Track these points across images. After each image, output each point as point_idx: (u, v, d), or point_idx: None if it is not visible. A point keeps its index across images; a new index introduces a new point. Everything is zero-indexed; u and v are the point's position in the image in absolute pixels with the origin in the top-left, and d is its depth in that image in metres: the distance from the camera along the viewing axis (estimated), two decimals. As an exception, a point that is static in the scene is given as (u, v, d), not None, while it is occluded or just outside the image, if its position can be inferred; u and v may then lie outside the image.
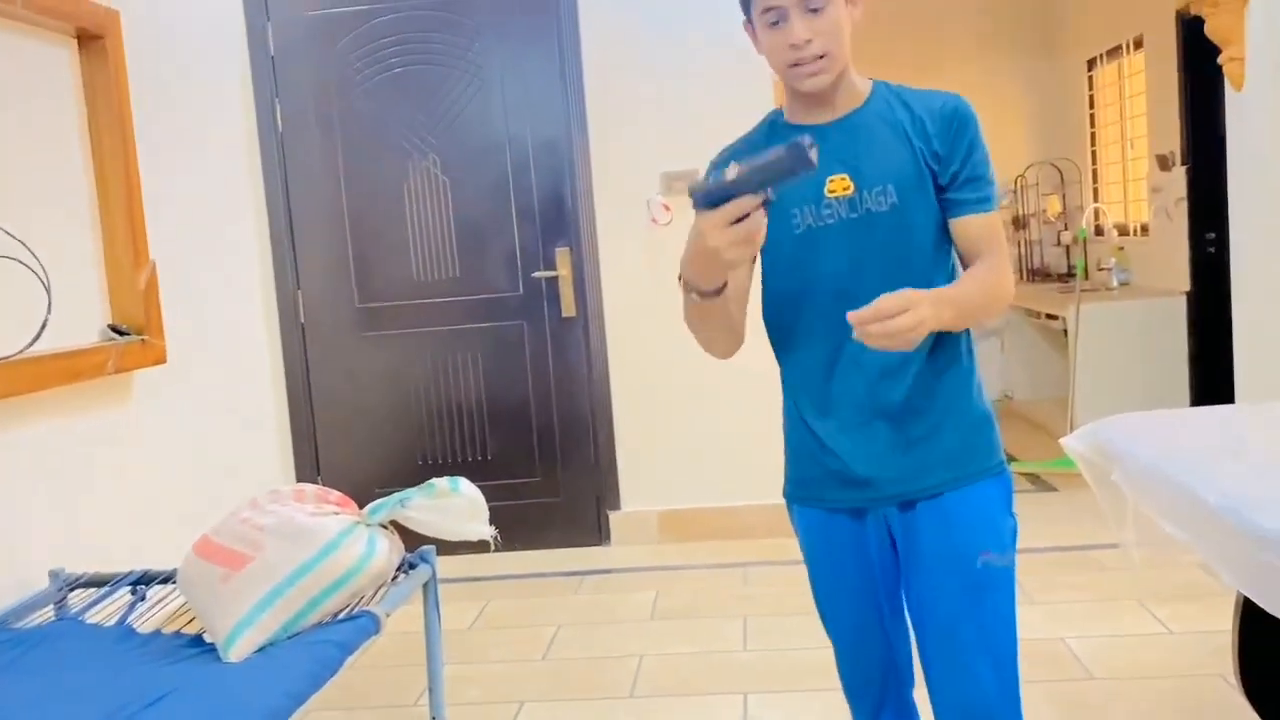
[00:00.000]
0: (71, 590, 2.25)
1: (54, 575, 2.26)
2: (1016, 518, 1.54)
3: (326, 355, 3.97)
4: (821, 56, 1.40)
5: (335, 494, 2.06)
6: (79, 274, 2.63)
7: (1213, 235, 4.61)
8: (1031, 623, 2.62)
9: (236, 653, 1.81)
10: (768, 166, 1.20)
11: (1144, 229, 5.51)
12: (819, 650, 1.73)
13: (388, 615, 1.95)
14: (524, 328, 3.92)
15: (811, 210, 1.44)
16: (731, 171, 1.22)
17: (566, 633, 3.16)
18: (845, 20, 1.41)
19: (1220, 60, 3.48)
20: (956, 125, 1.43)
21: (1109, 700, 2.49)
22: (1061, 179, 6.36)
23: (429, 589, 2.15)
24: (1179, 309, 4.91)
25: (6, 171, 2.41)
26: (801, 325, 1.50)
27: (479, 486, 2.07)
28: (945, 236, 1.47)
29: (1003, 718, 1.51)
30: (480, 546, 2.08)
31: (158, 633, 2.02)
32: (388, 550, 1.99)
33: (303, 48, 3.86)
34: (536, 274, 3.89)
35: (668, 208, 3.80)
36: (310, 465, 3.98)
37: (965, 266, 1.48)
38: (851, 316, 1.25)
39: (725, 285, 1.36)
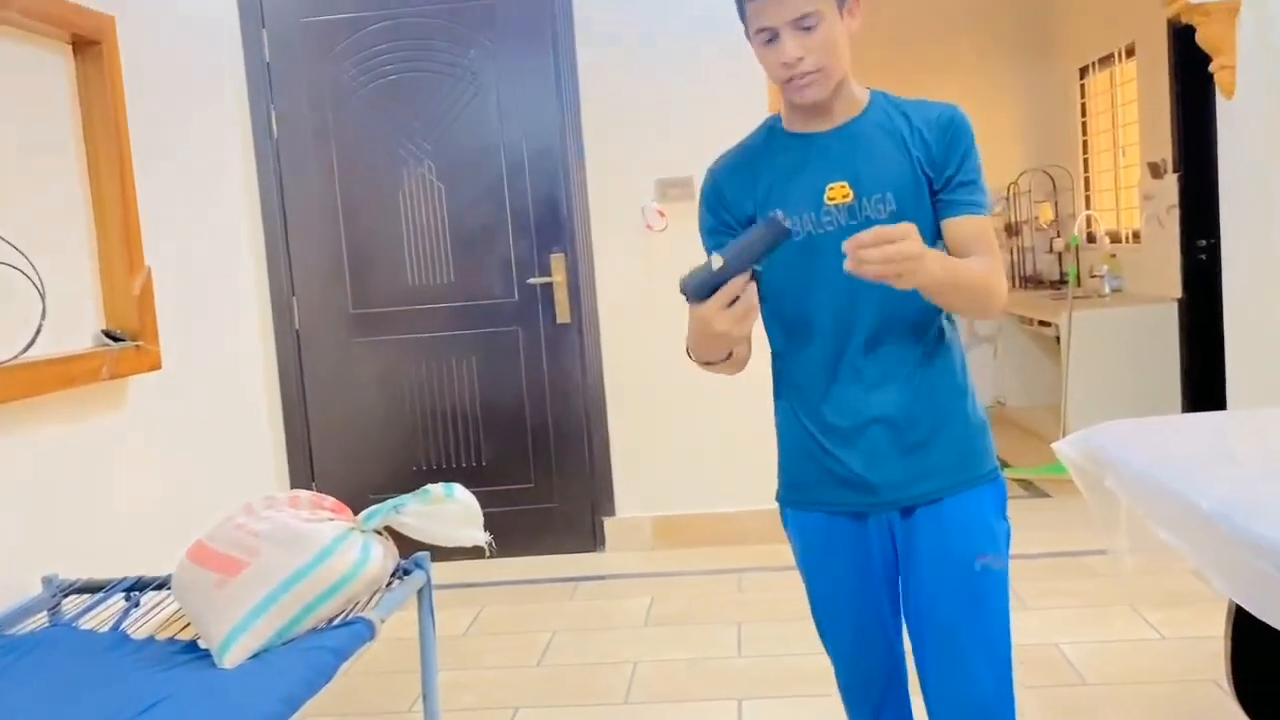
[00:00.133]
0: (65, 596, 2.25)
1: (47, 581, 2.25)
2: (1010, 522, 1.55)
3: (321, 361, 3.97)
4: (815, 72, 1.41)
5: (330, 500, 2.06)
6: (74, 280, 2.63)
7: (1204, 242, 4.63)
8: (1025, 628, 2.63)
9: (231, 659, 1.81)
10: (750, 247, 1.31)
11: (1136, 236, 5.54)
12: (814, 656, 1.73)
13: (382, 621, 1.95)
14: (519, 334, 3.93)
15: (811, 218, 1.46)
16: (717, 261, 1.31)
17: (561, 639, 3.16)
18: (840, 34, 1.41)
19: (1211, 68, 3.50)
20: (952, 132, 1.45)
21: (1102, 705, 2.50)
22: (1054, 186, 6.39)
23: (424, 595, 2.15)
24: (1171, 316, 4.93)
25: (2, 177, 2.41)
26: (802, 330, 1.51)
27: (473, 492, 2.07)
28: (943, 245, 1.48)
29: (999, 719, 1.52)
30: (475, 552, 2.08)
31: (152, 639, 2.02)
32: (382, 556, 1.99)
33: (298, 54, 3.86)
34: (531, 280, 3.89)
35: (662, 214, 3.81)
36: (305, 471, 3.97)
37: None
38: (848, 242, 1.27)
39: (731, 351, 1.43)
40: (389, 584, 2.05)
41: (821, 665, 1.67)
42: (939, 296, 1.42)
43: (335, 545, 1.91)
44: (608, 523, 3.98)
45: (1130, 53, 5.45)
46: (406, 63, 3.86)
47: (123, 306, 2.72)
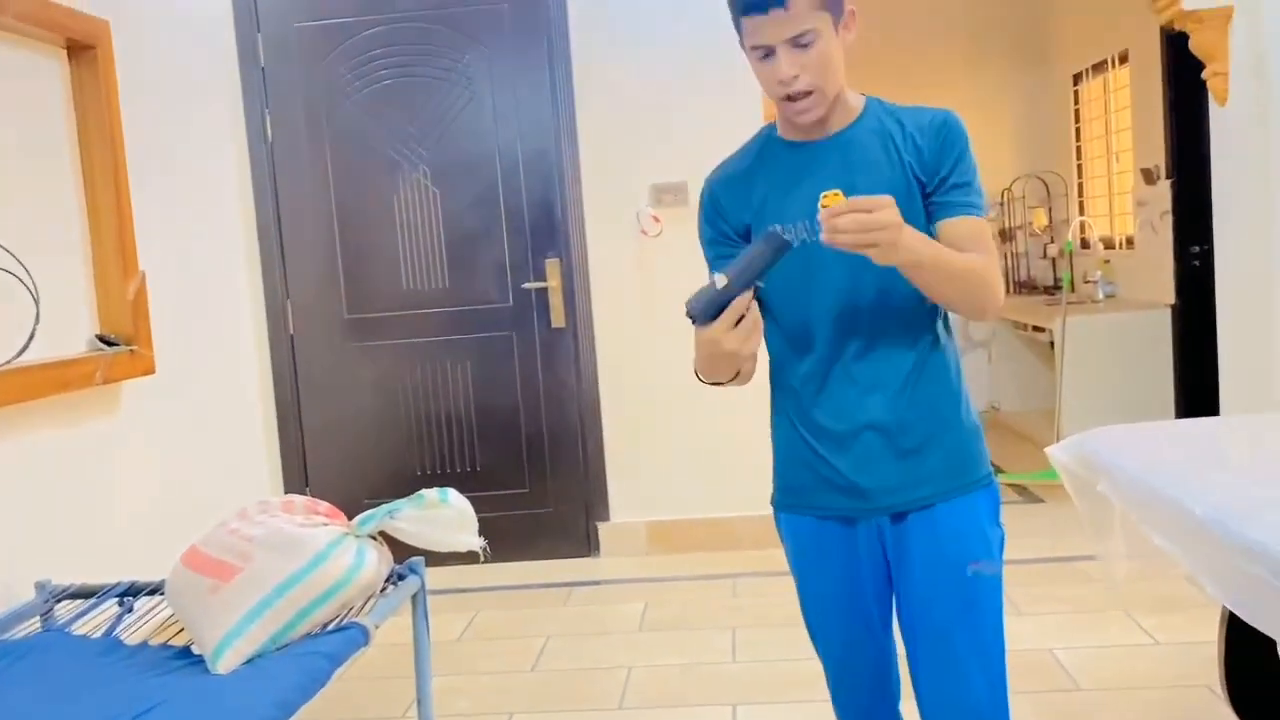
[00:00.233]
0: (58, 601, 2.24)
1: (40, 586, 2.25)
2: (1004, 528, 1.55)
3: (315, 366, 3.96)
4: (811, 93, 1.42)
5: (324, 505, 2.06)
6: (68, 284, 2.62)
7: (1197, 248, 4.65)
8: (1019, 633, 2.63)
9: (225, 664, 1.81)
10: (752, 264, 1.34)
11: (1129, 242, 5.55)
12: (807, 661, 1.73)
13: (376, 627, 1.94)
14: (513, 338, 3.92)
15: (806, 226, 1.46)
16: (720, 281, 1.33)
17: (555, 644, 3.16)
18: (835, 50, 1.42)
19: (1204, 75, 3.52)
20: (945, 134, 1.45)
21: (1096, 711, 2.50)
22: (1048, 192, 6.41)
23: (418, 600, 2.15)
24: (1164, 322, 4.95)
25: (-5, 181, 2.41)
26: (798, 336, 1.52)
27: (468, 497, 2.07)
28: None
29: (993, 725, 1.52)
30: (469, 558, 2.08)
31: (145, 644, 2.01)
32: (376, 561, 1.98)
33: (293, 59, 3.86)
34: (526, 285, 3.89)
35: (657, 219, 3.81)
36: (299, 476, 3.97)
37: None
38: (824, 213, 1.29)
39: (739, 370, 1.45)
40: (383, 589, 2.05)
41: (815, 670, 1.67)
42: (926, 281, 1.40)
43: (329, 550, 1.90)
44: (602, 528, 3.98)
45: (1124, 59, 5.47)
46: (401, 67, 3.86)
47: (117, 311, 2.72)
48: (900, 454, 1.49)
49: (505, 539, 3.56)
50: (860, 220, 1.27)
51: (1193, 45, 3.50)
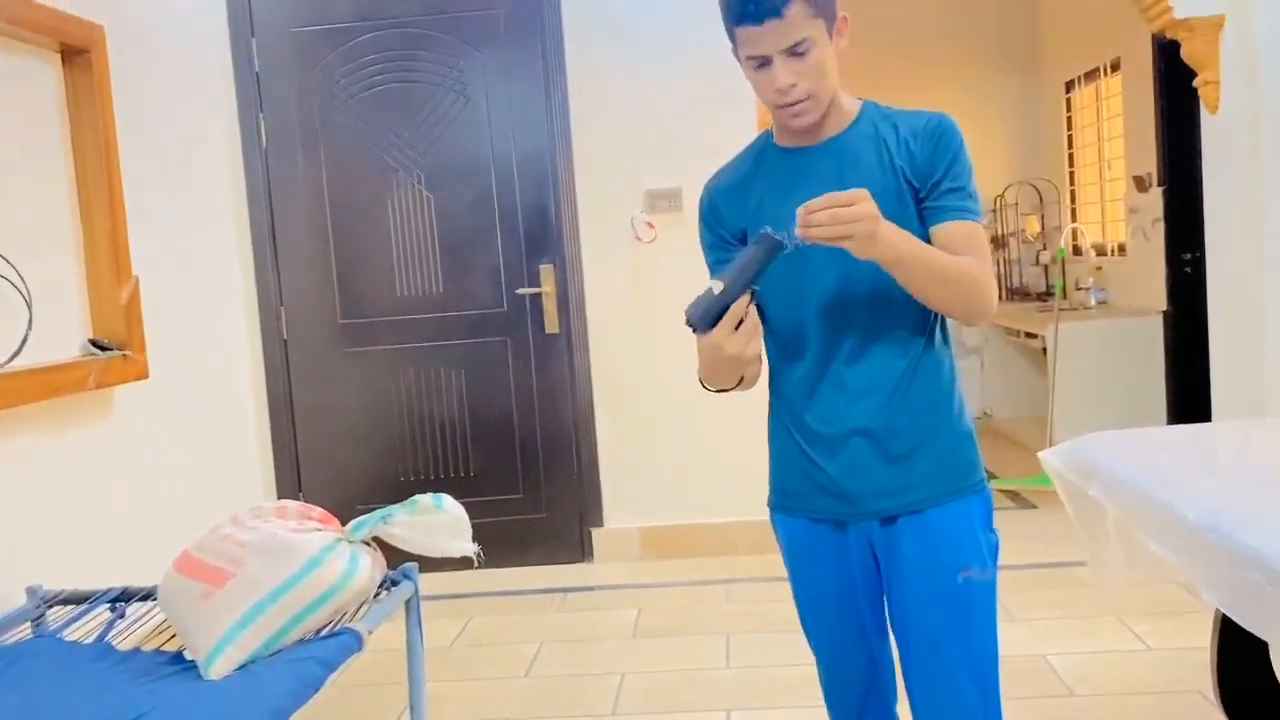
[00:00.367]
0: (49, 607, 2.23)
1: (31, 592, 2.24)
2: (998, 534, 1.56)
3: (309, 371, 3.95)
4: (806, 99, 1.42)
5: (317, 510, 2.06)
6: (60, 288, 2.62)
7: (1189, 255, 4.67)
8: (1012, 639, 2.64)
9: (217, 670, 1.80)
10: (747, 267, 1.35)
11: (1121, 249, 5.57)
12: (801, 667, 1.73)
13: (370, 632, 1.94)
14: (507, 344, 3.92)
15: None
16: (717, 286, 1.36)
17: (549, 650, 3.15)
18: (829, 56, 1.42)
19: (1196, 83, 3.54)
20: (938, 138, 1.45)
21: (1089, 716, 2.51)
22: (1040, 199, 6.43)
23: (411, 606, 2.14)
24: (1156, 328, 4.97)
25: (-12, 185, 2.41)
26: (792, 341, 1.53)
27: (462, 503, 2.06)
28: None
29: (985, 733, 1.52)
30: (463, 563, 2.08)
31: (137, 650, 2.01)
32: (370, 567, 1.98)
33: (287, 63, 3.86)
34: (520, 290, 3.89)
35: (651, 225, 3.82)
36: (292, 481, 3.96)
37: None
38: (800, 209, 1.30)
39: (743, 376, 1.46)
40: (377, 595, 2.04)
41: (809, 676, 1.67)
42: (912, 281, 1.39)
43: (323, 556, 1.90)
44: (596, 533, 3.98)
45: (1115, 67, 5.50)
46: (396, 73, 3.86)
47: (110, 316, 2.71)
48: (890, 459, 1.49)
49: (499, 544, 3.55)
50: (835, 213, 1.29)
51: (1184, 53, 3.51)
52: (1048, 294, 6.10)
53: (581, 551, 3.98)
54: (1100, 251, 5.84)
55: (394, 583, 2.12)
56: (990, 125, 6.39)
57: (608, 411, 3.94)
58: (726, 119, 3.62)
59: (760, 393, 1.61)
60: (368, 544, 2.02)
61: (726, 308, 1.35)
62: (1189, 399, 4.66)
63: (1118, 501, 1.79)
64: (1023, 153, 6.45)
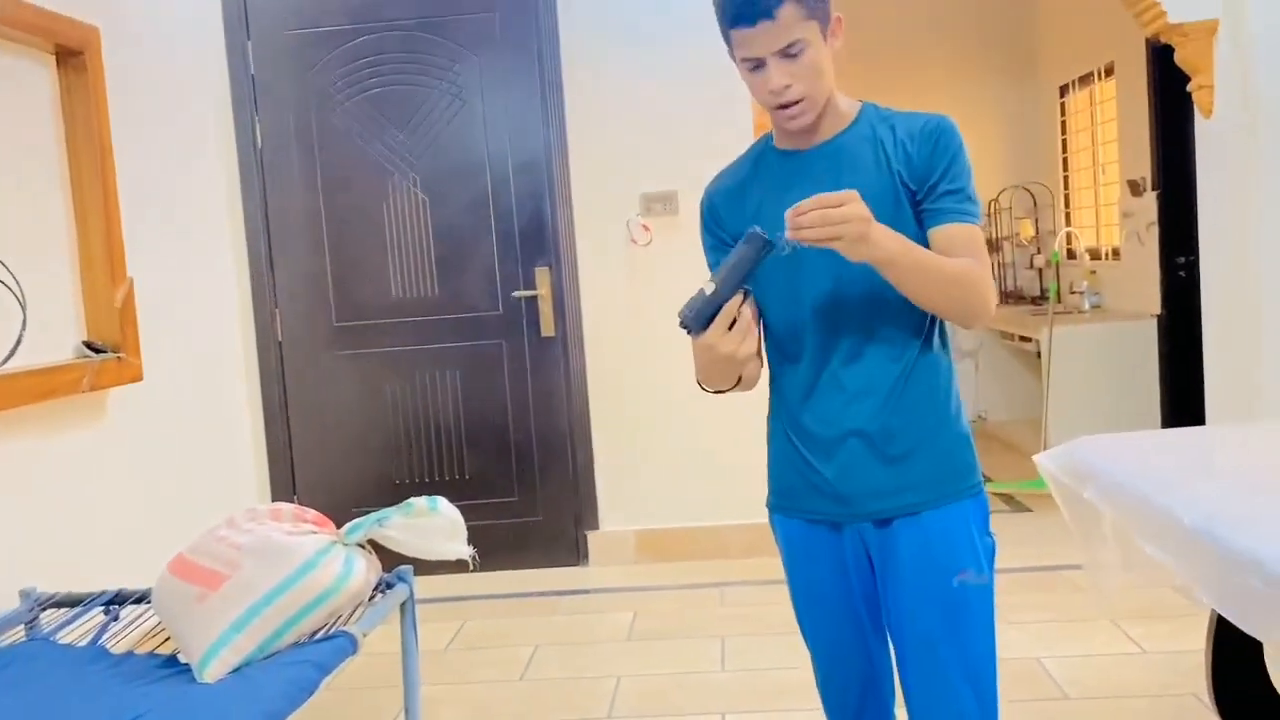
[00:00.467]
0: (43, 610, 2.22)
1: (25, 594, 2.23)
2: (994, 537, 1.56)
3: (304, 374, 3.95)
4: (802, 100, 1.43)
5: (312, 513, 2.05)
6: (55, 290, 2.61)
7: (1183, 259, 4.69)
8: (1007, 642, 2.63)
9: (211, 673, 1.80)
10: (737, 266, 1.36)
11: (1115, 253, 5.59)
12: (797, 670, 1.73)
13: (365, 635, 1.94)
14: (503, 347, 3.92)
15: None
16: (709, 287, 1.37)
17: (544, 653, 3.15)
18: (824, 58, 1.43)
19: (1190, 88, 3.55)
20: (936, 140, 1.45)
21: (1083, 719, 2.51)
22: (1034, 203, 6.45)
23: (406, 609, 2.14)
24: (1150, 332, 4.98)
25: (-17, 187, 2.40)
26: (790, 342, 1.53)
27: (457, 506, 2.06)
28: None
29: (982, 735, 1.52)
30: (458, 566, 2.07)
31: (131, 653, 2.00)
32: (365, 570, 1.98)
33: (283, 66, 3.86)
34: (516, 293, 3.89)
35: (647, 228, 3.82)
36: (287, 484, 3.95)
37: None
38: (789, 210, 1.30)
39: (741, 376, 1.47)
40: (371, 598, 2.04)
41: (805, 679, 1.67)
42: (906, 283, 1.39)
43: (318, 558, 1.90)
44: (591, 536, 3.98)
45: (1110, 72, 5.51)
46: (392, 76, 3.86)
47: (104, 318, 2.70)
48: (886, 460, 1.49)
49: (494, 548, 3.54)
50: (824, 214, 1.29)
51: (1178, 58, 3.52)
52: (1042, 298, 6.12)
53: (577, 554, 3.98)
54: (1094, 255, 5.86)
55: (389, 585, 2.11)
56: (985, 129, 6.41)
57: (603, 415, 3.94)
58: (723, 122, 3.63)
59: (755, 396, 1.61)
60: (363, 547, 2.01)
61: (719, 308, 1.36)
62: (1183, 403, 4.67)
63: (1113, 504, 1.79)
64: (1017, 157, 6.47)
